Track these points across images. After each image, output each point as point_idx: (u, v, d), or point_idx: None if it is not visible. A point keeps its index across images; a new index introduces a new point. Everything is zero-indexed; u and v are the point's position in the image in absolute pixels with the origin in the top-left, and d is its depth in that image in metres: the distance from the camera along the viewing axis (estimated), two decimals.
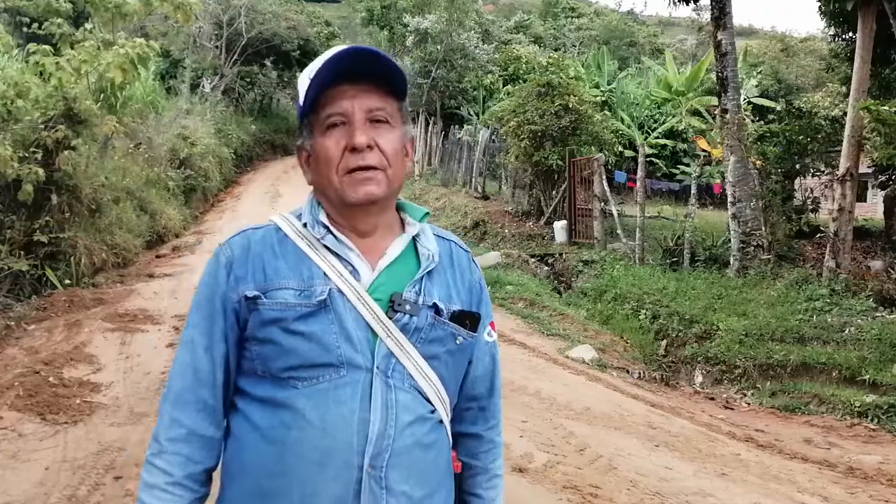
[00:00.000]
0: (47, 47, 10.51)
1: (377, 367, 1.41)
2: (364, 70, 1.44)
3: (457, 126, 23.86)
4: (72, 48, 11.13)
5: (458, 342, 1.51)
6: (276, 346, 1.40)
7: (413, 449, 1.42)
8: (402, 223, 1.56)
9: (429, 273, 1.51)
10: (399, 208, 1.58)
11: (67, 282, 9.76)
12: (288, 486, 1.37)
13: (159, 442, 1.44)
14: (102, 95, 13.33)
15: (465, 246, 1.64)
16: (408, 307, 1.44)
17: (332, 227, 1.48)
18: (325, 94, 1.45)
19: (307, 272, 1.44)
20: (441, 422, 1.50)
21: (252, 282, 1.44)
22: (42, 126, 9.71)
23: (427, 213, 1.58)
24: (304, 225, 1.49)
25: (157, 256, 12.79)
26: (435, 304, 1.48)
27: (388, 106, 1.47)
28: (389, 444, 1.39)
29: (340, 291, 1.42)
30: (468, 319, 1.53)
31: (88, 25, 11.90)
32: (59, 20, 11.97)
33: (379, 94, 1.46)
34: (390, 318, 1.43)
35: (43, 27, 12.05)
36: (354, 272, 1.45)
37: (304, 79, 1.47)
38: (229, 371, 1.48)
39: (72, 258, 9.94)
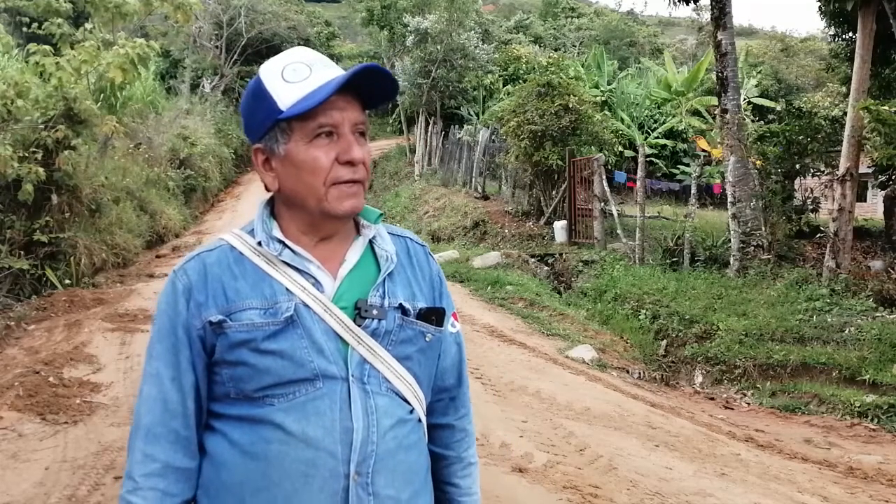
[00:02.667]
0: (47, 47, 10.52)
1: (352, 376, 1.41)
2: (363, 85, 1.44)
3: (457, 126, 23.84)
4: (72, 48, 11.14)
5: (427, 339, 1.51)
6: (248, 367, 1.39)
7: (396, 452, 1.43)
8: (357, 225, 1.55)
9: (390, 274, 1.51)
10: None
11: (67, 282, 9.77)
12: (273, 499, 1.37)
13: (134, 479, 1.40)
14: (102, 95, 13.36)
15: (420, 241, 1.64)
16: (374, 312, 1.45)
17: (287, 241, 1.46)
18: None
19: (269, 290, 1.42)
20: (420, 420, 1.52)
21: (214, 306, 1.42)
22: (42, 126, 9.72)
23: (381, 215, 1.57)
24: (259, 243, 1.46)
25: (158, 256, 12.81)
26: (401, 304, 1.48)
27: (365, 119, 1.48)
28: (373, 449, 1.40)
29: (306, 305, 1.41)
30: (434, 315, 1.53)
31: (88, 25, 11.90)
32: (59, 20, 11.99)
33: (359, 107, 1.46)
34: (358, 325, 1.43)
35: (43, 27, 12.07)
36: (317, 284, 1.44)
37: (277, 79, 1.43)
38: (200, 399, 1.45)
39: (72, 258, 9.95)
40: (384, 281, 1.49)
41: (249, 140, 1.52)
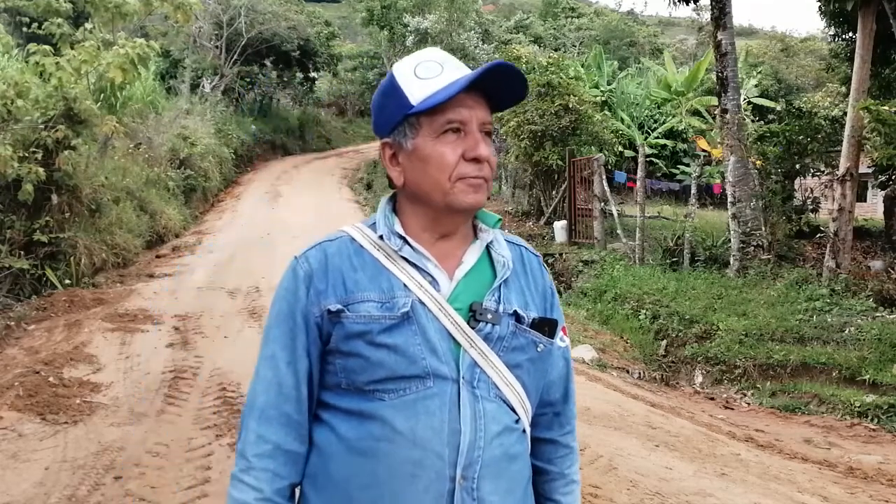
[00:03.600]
0: (47, 47, 10.51)
1: (463, 378, 1.41)
2: (495, 85, 1.47)
3: None
4: (72, 48, 11.13)
5: (538, 350, 1.51)
6: (361, 359, 1.40)
7: (502, 460, 1.43)
8: (475, 229, 1.56)
9: (505, 281, 1.51)
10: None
11: (67, 282, 9.76)
12: (379, 497, 1.37)
13: (246, 458, 1.43)
14: (102, 95, 13.35)
15: (534, 251, 1.64)
16: (489, 316, 1.45)
17: (408, 237, 1.48)
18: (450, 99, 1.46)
19: (387, 284, 1.44)
20: (524, 431, 1.51)
21: (333, 295, 1.44)
22: (42, 126, 9.71)
23: (499, 220, 1.58)
24: (381, 237, 1.48)
25: (157, 256, 12.78)
26: (515, 311, 1.48)
27: (492, 120, 1.51)
28: (480, 455, 1.39)
29: (422, 302, 1.42)
30: (547, 326, 1.53)
31: (88, 25, 11.89)
32: (59, 20, 11.97)
33: (487, 108, 1.49)
34: (472, 328, 1.43)
35: (43, 27, 12.05)
36: (434, 282, 1.45)
37: (409, 76, 1.47)
38: (312, 385, 1.47)
39: (72, 258, 9.94)
40: (500, 286, 1.49)
41: (378, 136, 1.55)
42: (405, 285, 1.43)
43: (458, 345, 1.42)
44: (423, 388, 1.39)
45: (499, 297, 1.48)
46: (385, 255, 1.47)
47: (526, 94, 1.52)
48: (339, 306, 1.42)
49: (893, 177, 12.90)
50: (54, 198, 9.84)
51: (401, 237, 1.48)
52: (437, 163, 1.44)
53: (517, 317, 1.48)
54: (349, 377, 1.42)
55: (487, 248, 1.54)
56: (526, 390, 1.49)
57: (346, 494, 1.40)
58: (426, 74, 1.46)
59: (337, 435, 1.43)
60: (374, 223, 1.52)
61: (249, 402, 1.47)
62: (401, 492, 1.36)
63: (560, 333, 1.60)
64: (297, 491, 1.49)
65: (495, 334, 1.45)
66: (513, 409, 1.47)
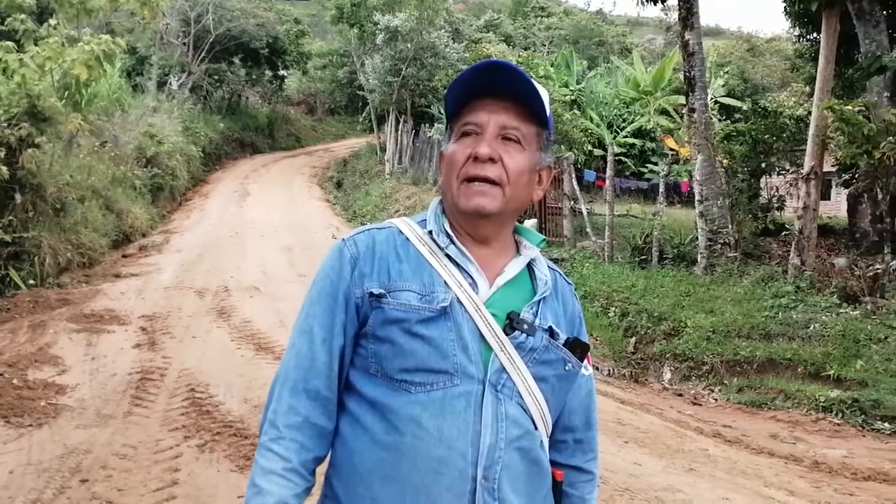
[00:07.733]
0: (10, 44, 10.33)
1: (489, 381, 1.42)
2: (505, 87, 1.47)
3: (427, 125, 23.80)
4: (35, 45, 10.95)
5: (566, 368, 1.53)
6: (394, 346, 1.43)
7: (520, 463, 1.44)
8: (518, 247, 1.58)
9: (543, 298, 1.53)
10: (516, 232, 1.61)
11: (31, 282, 9.62)
12: (401, 491, 1.39)
13: (277, 428, 1.44)
14: (67, 93, 13.10)
15: (568, 279, 1.67)
16: (525, 326, 1.47)
17: (454, 238, 1.50)
18: (470, 104, 1.50)
19: (428, 278, 1.46)
20: (542, 442, 1.52)
21: (377, 280, 1.46)
22: (5, 124, 9.55)
23: (544, 240, 1.61)
24: (430, 233, 1.51)
25: (124, 256, 12.64)
26: (551, 327, 1.51)
27: (523, 127, 1.49)
28: (500, 456, 1.41)
29: (459, 301, 1.44)
30: (579, 348, 1.55)
31: (52, 21, 11.69)
32: (23, 16, 11.74)
33: (519, 114, 1.48)
34: (507, 335, 1.45)
35: (6, 23, 11.83)
36: (473, 284, 1.47)
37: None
38: (344, 364, 1.49)
39: (36, 258, 9.79)
40: (539, 301, 1.52)
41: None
42: (445, 283, 1.46)
43: (488, 348, 1.44)
44: (450, 384, 1.41)
45: (536, 311, 1.51)
46: (430, 252, 1.49)
47: (532, 92, 1.47)
48: (382, 290, 1.45)
49: (856, 175, 13.10)
50: (18, 197, 9.68)
51: (448, 236, 1.50)
52: (450, 162, 1.50)
53: (551, 333, 1.51)
54: (380, 363, 1.44)
55: (529, 265, 1.56)
56: (548, 405, 1.51)
57: (368, 486, 1.41)
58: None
59: (362, 426, 1.44)
60: (423, 220, 1.56)
61: (283, 373, 1.49)
62: (423, 487, 1.38)
63: (584, 362, 1.61)
64: (319, 476, 1.50)
65: (528, 345, 1.46)
66: (532, 421, 1.48)
